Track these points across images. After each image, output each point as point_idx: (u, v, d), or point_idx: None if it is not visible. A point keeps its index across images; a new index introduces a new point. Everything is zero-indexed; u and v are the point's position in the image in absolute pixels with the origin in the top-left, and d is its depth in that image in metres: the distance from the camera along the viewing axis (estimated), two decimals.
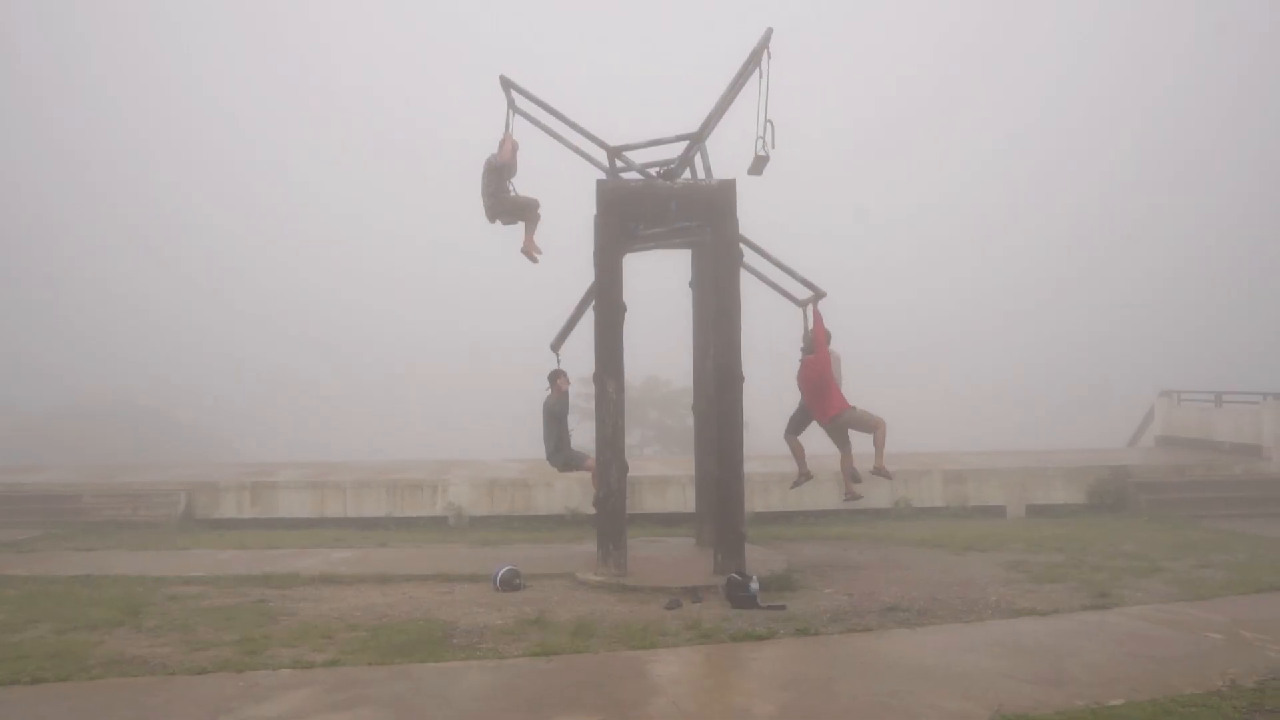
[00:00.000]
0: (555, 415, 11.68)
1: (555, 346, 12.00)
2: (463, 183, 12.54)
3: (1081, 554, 11.96)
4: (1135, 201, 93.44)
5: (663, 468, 18.02)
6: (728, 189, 10.96)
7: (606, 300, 10.85)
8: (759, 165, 10.81)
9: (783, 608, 9.25)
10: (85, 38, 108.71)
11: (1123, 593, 9.66)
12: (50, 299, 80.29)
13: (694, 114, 11.46)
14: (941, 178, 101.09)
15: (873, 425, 11.40)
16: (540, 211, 11.39)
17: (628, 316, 11.00)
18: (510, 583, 10.36)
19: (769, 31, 10.54)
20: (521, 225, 11.46)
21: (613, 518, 10.78)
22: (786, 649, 7.88)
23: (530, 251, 11.44)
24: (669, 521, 15.33)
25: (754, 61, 10.58)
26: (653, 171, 11.48)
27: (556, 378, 11.79)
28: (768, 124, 10.55)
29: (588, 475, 12.02)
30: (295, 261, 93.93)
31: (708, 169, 11.81)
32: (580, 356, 11.84)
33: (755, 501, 16.54)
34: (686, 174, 11.70)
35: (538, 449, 12.17)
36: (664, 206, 10.98)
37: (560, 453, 11.67)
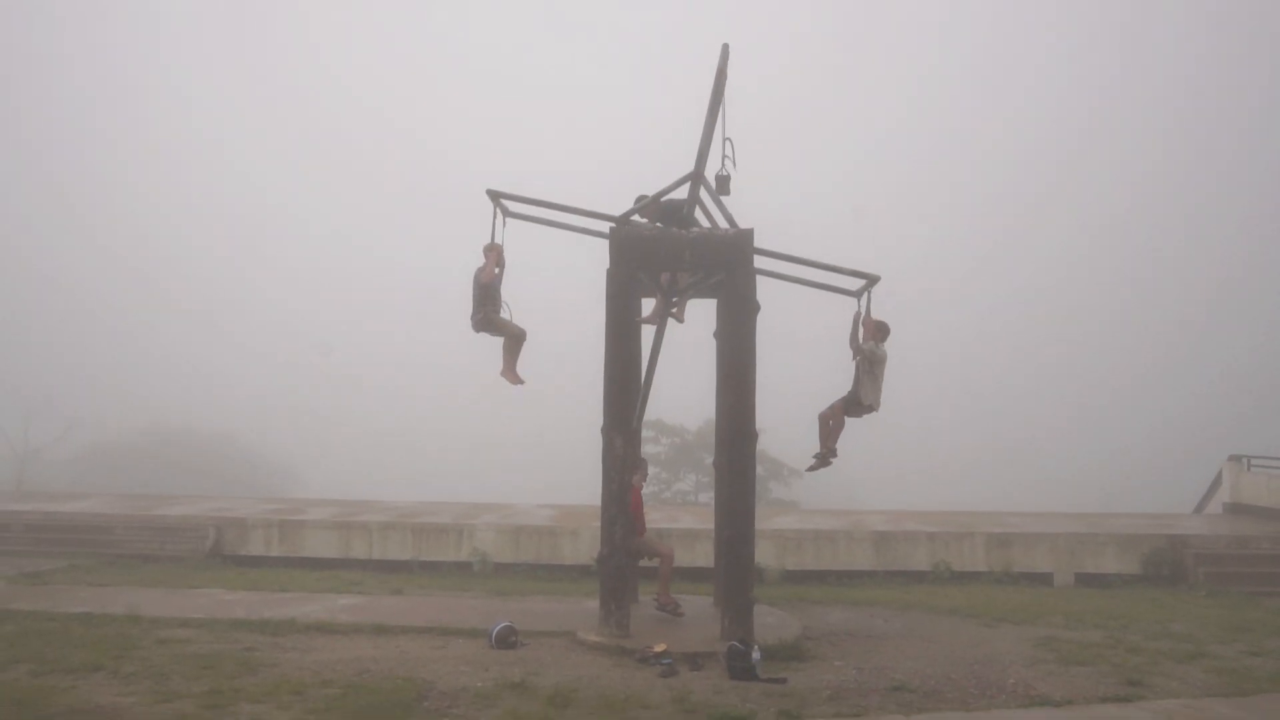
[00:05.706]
0: (483, 285, 10.96)
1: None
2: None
3: (1123, 632, 11.19)
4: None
5: (695, 520, 17.52)
6: (745, 239, 10.56)
7: (616, 352, 10.53)
8: (724, 184, 10.72)
9: (783, 680, 8.76)
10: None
11: (1155, 681, 8.91)
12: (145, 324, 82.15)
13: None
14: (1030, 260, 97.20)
15: (660, 552, 11.43)
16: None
17: (682, 357, 10.65)
18: (505, 640, 10.02)
19: (726, 48, 10.29)
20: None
21: (615, 576, 10.39)
22: None
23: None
24: (697, 577, 14.74)
25: (721, 79, 10.27)
26: None
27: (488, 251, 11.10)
28: (726, 141, 10.42)
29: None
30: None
31: (728, 216, 11.19)
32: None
33: (787, 559, 16.02)
34: (704, 221, 11.30)
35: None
36: (678, 255, 10.65)
37: (479, 312, 10.91)
